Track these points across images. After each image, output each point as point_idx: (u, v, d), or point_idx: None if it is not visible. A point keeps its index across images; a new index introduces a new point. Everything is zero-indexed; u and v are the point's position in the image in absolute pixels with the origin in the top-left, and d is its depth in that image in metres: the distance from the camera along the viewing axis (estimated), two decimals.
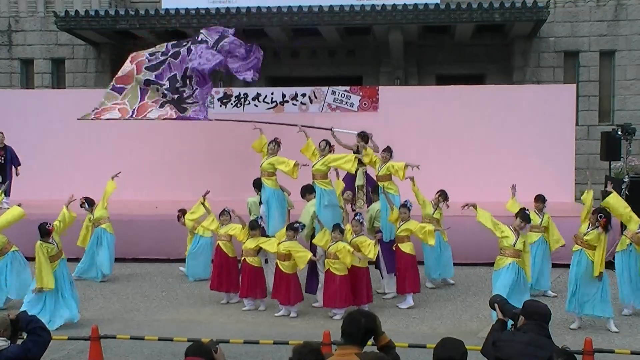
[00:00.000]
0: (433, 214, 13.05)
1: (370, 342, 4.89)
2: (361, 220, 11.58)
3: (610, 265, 11.47)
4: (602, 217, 10.48)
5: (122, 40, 22.57)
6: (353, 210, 14.20)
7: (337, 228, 11.17)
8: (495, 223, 10.45)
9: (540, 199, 12.83)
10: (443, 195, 13.24)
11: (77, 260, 14.05)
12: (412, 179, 12.53)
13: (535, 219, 12.36)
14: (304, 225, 11.91)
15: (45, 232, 10.91)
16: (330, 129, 15.33)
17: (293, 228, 11.47)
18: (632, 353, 8.43)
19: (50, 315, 10.63)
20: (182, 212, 14.10)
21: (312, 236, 11.94)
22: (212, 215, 12.91)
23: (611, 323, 10.56)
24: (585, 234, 10.68)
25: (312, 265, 11.89)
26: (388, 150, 13.02)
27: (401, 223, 11.97)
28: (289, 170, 12.62)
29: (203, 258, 13.69)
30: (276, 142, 13.19)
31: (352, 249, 11.08)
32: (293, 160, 12.66)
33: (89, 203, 14.20)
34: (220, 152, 18.04)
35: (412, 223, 11.95)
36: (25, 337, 5.80)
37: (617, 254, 11.40)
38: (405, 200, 12.13)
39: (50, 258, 10.79)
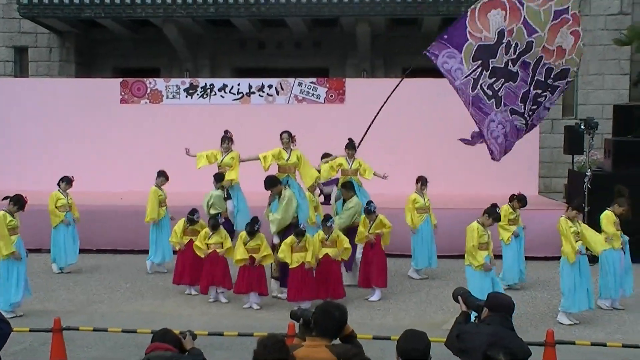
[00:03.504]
0: (426, 202, 13.57)
1: None
2: (332, 227, 11.58)
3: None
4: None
5: (86, 29, 22.34)
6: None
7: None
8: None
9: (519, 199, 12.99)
10: (424, 182, 13.65)
11: (38, 251, 13.93)
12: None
13: (512, 214, 12.74)
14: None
15: (20, 203, 11.00)
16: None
17: (255, 222, 11.50)
18: (593, 344, 8.55)
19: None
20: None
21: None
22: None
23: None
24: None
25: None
26: (352, 146, 13.18)
27: (371, 223, 12.05)
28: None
29: None
30: (229, 137, 13.38)
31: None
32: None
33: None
34: (188, 143, 17.92)
35: (382, 217, 12.09)
36: None
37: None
38: (369, 204, 12.14)
39: (10, 230, 10.83)
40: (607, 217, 11.40)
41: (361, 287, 12.16)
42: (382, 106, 15.06)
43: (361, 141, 14.61)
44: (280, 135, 12.79)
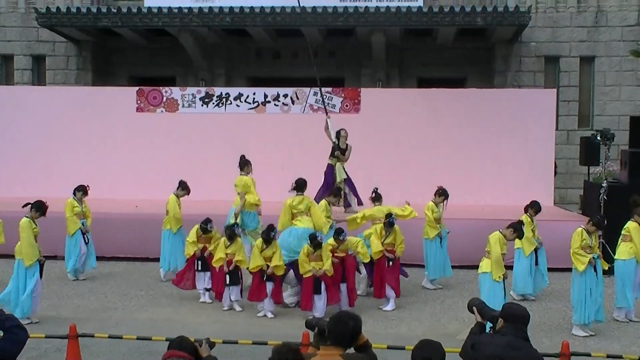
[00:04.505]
0: (440, 213, 13.51)
1: None
2: (344, 239, 11.60)
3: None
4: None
5: (103, 38, 22.47)
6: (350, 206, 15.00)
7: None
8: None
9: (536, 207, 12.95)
10: (446, 197, 13.53)
11: (54, 258, 14.00)
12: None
13: (530, 224, 12.68)
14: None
15: (42, 210, 11.08)
16: (327, 117, 15.94)
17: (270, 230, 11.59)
18: (608, 356, 8.50)
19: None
20: None
21: None
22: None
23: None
24: None
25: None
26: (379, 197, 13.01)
27: (386, 235, 12.06)
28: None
29: None
30: (246, 161, 13.69)
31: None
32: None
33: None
34: (203, 151, 18.05)
35: (397, 229, 12.10)
36: (1, 335, 5.74)
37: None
38: (390, 216, 12.12)
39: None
40: (633, 228, 11.38)
41: (375, 298, 12.13)
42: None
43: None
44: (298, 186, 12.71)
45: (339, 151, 15.38)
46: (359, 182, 15.45)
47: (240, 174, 13.64)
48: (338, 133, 15.53)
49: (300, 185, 12.59)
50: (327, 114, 16.08)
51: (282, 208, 12.52)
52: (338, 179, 15.22)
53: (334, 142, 15.46)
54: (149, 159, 18.28)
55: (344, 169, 15.35)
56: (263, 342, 8.24)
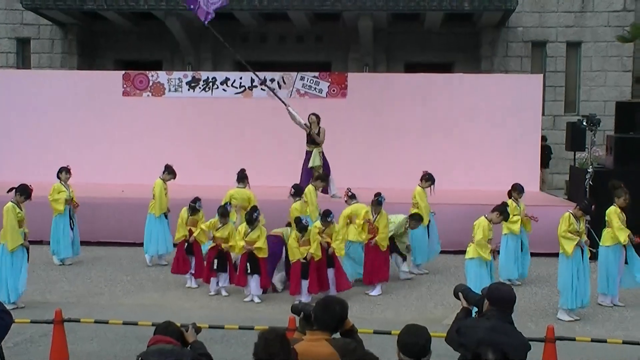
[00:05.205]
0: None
1: None
2: (332, 221, 11.54)
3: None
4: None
5: (89, 21, 22.33)
6: (327, 193, 14.86)
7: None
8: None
9: (518, 188, 12.96)
10: (433, 182, 13.45)
11: (39, 242, 13.94)
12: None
13: (516, 209, 12.66)
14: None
15: (27, 193, 10.97)
16: (286, 106, 15.71)
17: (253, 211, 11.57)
18: (593, 341, 8.56)
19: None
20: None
21: None
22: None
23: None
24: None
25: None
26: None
27: (375, 216, 11.96)
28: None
29: None
30: (245, 175, 13.58)
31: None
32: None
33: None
34: (189, 136, 17.98)
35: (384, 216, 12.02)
36: None
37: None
38: (379, 195, 12.07)
39: (18, 223, 10.83)
40: (612, 212, 11.44)
41: (365, 284, 12.12)
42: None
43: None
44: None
45: (312, 136, 15.33)
46: (349, 166, 15.51)
47: (238, 187, 13.57)
48: (308, 119, 15.48)
49: (299, 191, 12.68)
50: (285, 105, 15.85)
51: (292, 213, 12.40)
52: (310, 164, 15.19)
53: (304, 127, 15.40)
54: (135, 143, 18.21)
55: (321, 155, 15.27)
56: (250, 327, 8.25)
